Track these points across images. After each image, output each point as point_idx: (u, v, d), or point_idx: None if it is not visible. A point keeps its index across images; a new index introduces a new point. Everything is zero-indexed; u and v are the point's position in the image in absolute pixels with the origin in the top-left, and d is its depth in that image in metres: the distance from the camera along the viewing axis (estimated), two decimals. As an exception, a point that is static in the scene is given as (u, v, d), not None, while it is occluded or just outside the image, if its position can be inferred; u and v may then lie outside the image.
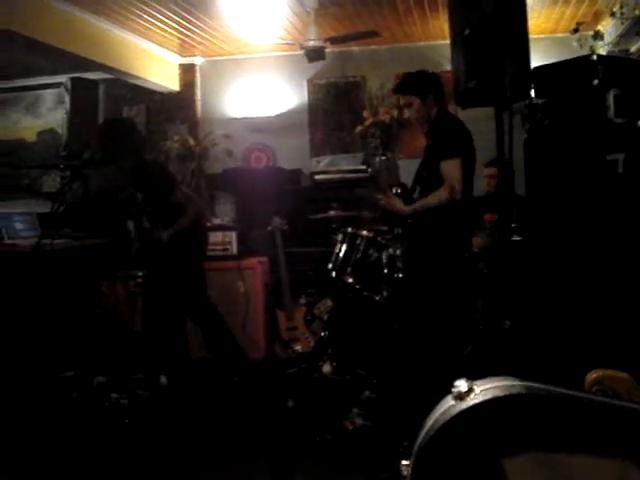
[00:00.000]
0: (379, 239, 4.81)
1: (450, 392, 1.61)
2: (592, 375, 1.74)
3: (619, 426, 1.52)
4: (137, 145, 4.86)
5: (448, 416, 1.57)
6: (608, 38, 6.18)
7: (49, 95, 8.27)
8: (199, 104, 8.17)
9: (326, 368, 4.91)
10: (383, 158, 7.43)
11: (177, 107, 8.11)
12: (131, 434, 4.24)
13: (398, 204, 4.40)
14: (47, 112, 8.30)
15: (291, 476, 3.62)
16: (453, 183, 4.09)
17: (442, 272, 4.28)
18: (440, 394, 1.68)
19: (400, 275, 4.66)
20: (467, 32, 3.13)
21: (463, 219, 4.33)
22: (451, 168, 4.11)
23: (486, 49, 3.06)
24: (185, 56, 7.97)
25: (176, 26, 6.62)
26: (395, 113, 7.50)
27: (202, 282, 5.01)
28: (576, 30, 6.24)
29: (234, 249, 6.10)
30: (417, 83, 4.38)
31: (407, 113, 4.44)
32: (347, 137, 7.86)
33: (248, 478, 3.64)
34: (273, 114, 7.92)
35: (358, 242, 4.81)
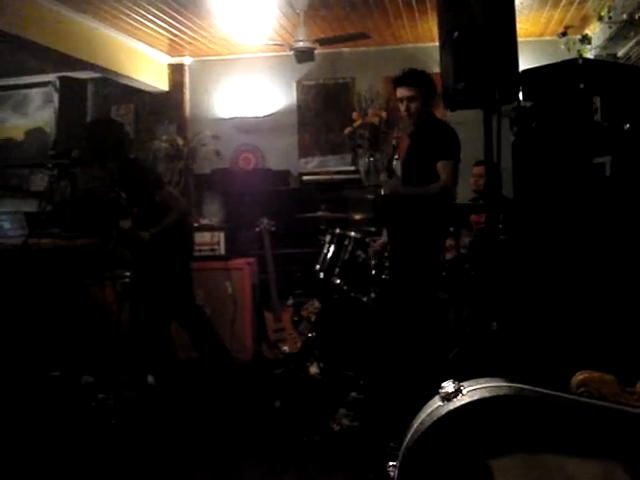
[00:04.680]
0: (367, 240, 4.81)
1: (437, 393, 1.62)
2: (578, 377, 1.75)
3: (605, 427, 1.53)
4: (124, 145, 4.85)
5: (435, 417, 1.58)
6: (596, 42, 6.21)
7: (37, 94, 8.22)
8: (188, 104, 8.15)
9: (313, 369, 4.92)
10: (371, 160, 7.45)
11: (166, 107, 8.09)
12: (118, 434, 4.23)
13: (398, 184, 4.38)
14: (35, 111, 8.25)
15: (278, 476, 3.62)
16: (449, 181, 4.14)
17: (427, 273, 4.31)
18: (427, 395, 1.69)
19: (387, 276, 4.67)
20: (456, 35, 3.14)
21: (445, 221, 4.39)
22: (448, 168, 4.15)
23: (475, 52, 3.07)
24: (174, 56, 7.96)
25: (165, 26, 6.61)
26: (384, 115, 7.51)
27: (188, 283, 4.99)
28: (564, 34, 6.27)
29: (222, 249, 6.10)
30: (424, 81, 4.31)
31: (405, 106, 4.34)
32: (336, 138, 7.85)
33: (235, 478, 3.64)
34: (262, 115, 7.91)
35: (346, 243, 4.82)
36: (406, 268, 4.39)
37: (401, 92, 4.35)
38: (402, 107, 4.38)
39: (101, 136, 4.73)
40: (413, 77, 4.33)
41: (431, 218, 4.27)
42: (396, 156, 4.51)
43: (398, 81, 4.39)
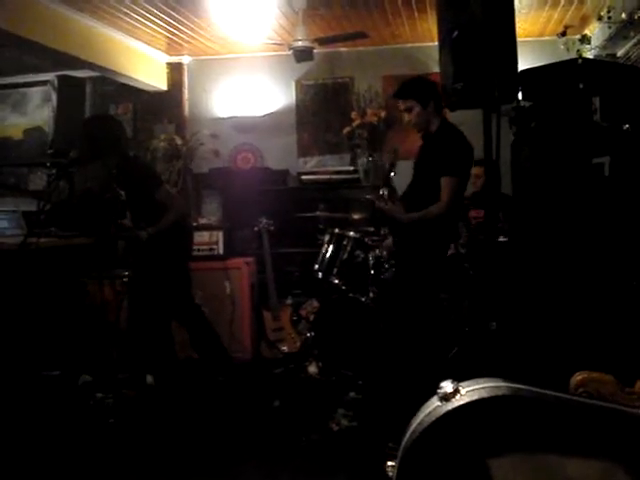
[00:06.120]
0: (366, 240, 4.81)
1: (436, 393, 1.62)
2: (577, 377, 1.75)
3: (603, 427, 1.53)
4: (121, 141, 4.84)
5: (434, 417, 1.58)
6: (595, 42, 6.21)
7: (36, 93, 8.22)
8: (186, 103, 8.14)
9: (312, 369, 4.92)
10: (370, 159, 7.44)
11: (164, 106, 8.07)
12: (116, 434, 4.22)
13: (398, 211, 4.42)
14: (34, 110, 8.25)
15: (276, 477, 3.62)
16: (448, 202, 4.20)
17: (427, 274, 4.32)
18: (426, 395, 1.68)
19: (386, 276, 4.67)
20: (455, 34, 3.14)
21: (449, 225, 4.42)
22: (450, 187, 4.21)
23: (474, 51, 3.07)
24: (173, 55, 7.95)
25: (164, 25, 6.60)
26: (383, 114, 7.50)
27: (187, 283, 4.99)
28: (563, 33, 6.27)
29: (220, 249, 6.10)
30: (419, 89, 4.40)
31: (407, 117, 4.44)
32: (334, 138, 7.84)
33: (233, 478, 3.63)
34: (261, 114, 7.90)
35: (345, 243, 4.81)
36: (410, 270, 4.41)
37: (400, 105, 4.49)
38: (405, 118, 4.51)
39: (98, 133, 4.72)
40: (405, 89, 4.46)
41: (433, 232, 4.32)
42: (392, 174, 4.58)
43: (394, 95, 4.56)
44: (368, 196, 4.85)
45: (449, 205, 4.22)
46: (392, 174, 4.58)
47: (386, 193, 4.51)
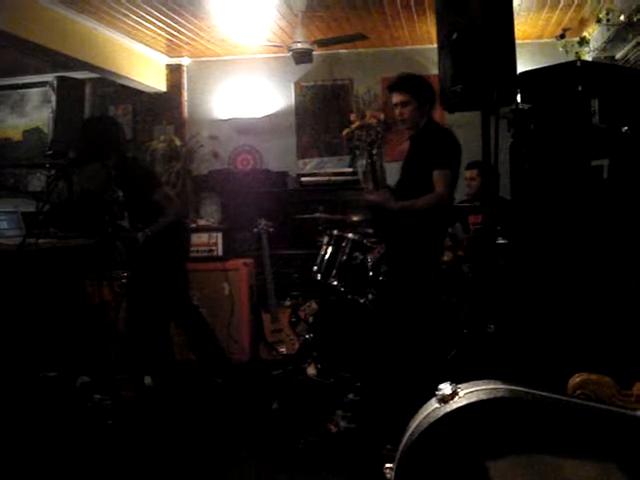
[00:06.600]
0: (365, 242, 4.80)
1: (434, 395, 1.62)
2: (575, 379, 1.75)
3: (601, 429, 1.53)
4: (120, 142, 4.84)
5: (432, 419, 1.58)
6: (594, 44, 6.22)
7: (35, 94, 8.23)
8: (186, 105, 8.14)
9: (310, 370, 4.92)
10: (368, 161, 7.44)
11: (163, 107, 8.08)
12: (115, 435, 4.22)
13: (388, 198, 4.39)
14: (33, 111, 8.25)
15: (275, 478, 3.62)
16: (444, 193, 4.14)
17: (422, 275, 4.31)
18: (424, 397, 1.68)
19: (385, 278, 4.66)
20: (454, 36, 3.14)
21: (442, 224, 4.39)
22: (443, 178, 4.15)
23: (473, 53, 3.07)
24: (172, 56, 7.95)
25: (163, 26, 6.60)
26: (382, 116, 7.51)
27: (184, 284, 4.99)
28: (562, 36, 6.27)
29: (219, 250, 6.10)
30: (418, 86, 4.34)
31: (399, 112, 4.38)
32: (334, 140, 7.85)
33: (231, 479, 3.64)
34: (260, 116, 7.90)
35: (344, 244, 4.81)
36: (402, 271, 4.39)
37: (395, 97, 4.40)
38: (397, 112, 4.43)
39: (97, 134, 4.72)
40: (406, 82, 4.37)
41: (425, 226, 4.28)
42: (374, 151, 4.51)
43: (391, 87, 4.45)
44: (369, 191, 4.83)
45: (445, 197, 4.17)
46: (374, 151, 4.54)
47: (369, 170, 4.48)
